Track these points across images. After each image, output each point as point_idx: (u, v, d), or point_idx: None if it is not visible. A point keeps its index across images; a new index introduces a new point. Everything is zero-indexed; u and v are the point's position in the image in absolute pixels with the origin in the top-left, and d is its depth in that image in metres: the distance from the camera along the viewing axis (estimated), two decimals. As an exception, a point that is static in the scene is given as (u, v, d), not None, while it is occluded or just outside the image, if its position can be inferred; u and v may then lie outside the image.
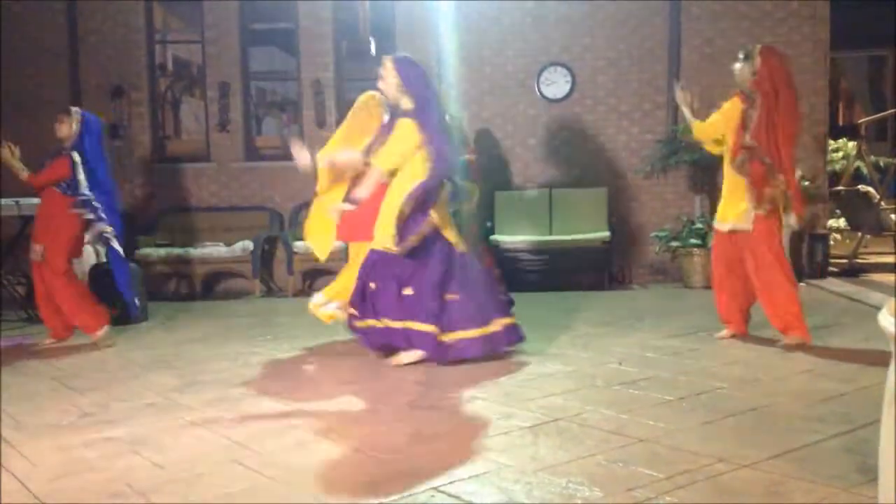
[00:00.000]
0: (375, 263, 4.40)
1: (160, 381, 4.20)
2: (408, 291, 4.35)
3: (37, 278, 5.45)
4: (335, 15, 8.31)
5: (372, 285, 4.42)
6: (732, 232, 4.71)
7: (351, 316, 4.59)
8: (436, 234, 4.41)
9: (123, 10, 8.33)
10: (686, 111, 4.97)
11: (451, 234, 4.48)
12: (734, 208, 4.69)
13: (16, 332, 5.98)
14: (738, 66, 4.72)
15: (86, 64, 8.34)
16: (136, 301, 5.92)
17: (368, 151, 4.52)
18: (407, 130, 4.33)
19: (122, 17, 8.33)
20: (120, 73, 8.31)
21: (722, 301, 4.87)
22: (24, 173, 5.40)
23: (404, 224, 4.29)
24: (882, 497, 1.68)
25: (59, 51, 8.33)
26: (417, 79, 4.46)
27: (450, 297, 4.36)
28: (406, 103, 4.40)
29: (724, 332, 4.89)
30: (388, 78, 4.42)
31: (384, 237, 4.33)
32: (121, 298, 5.68)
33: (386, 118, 4.67)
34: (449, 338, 4.33)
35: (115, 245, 5.48)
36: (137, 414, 3.55)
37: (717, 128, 4.83)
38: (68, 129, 5.41)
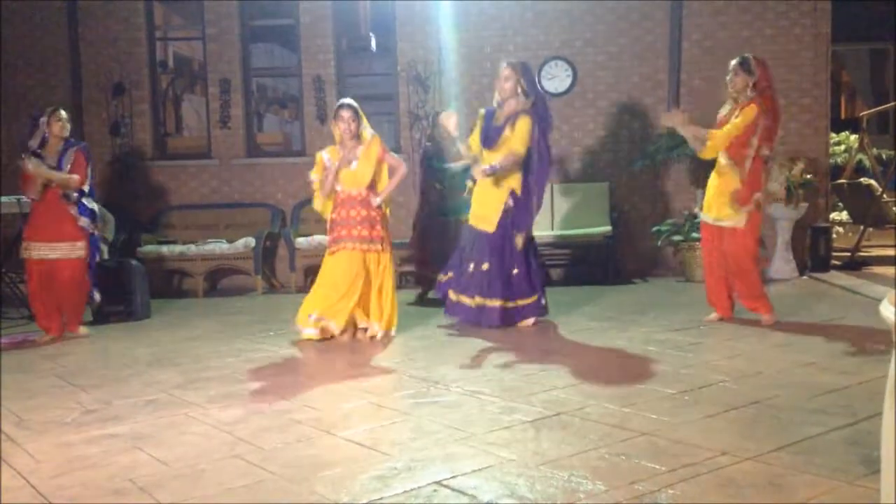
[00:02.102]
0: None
1: (163, 378, 4.20)
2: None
3: (43, 276, 5.36)
4: (335, 11, 8.31)
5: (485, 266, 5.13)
6: (718, 223, 5.06)
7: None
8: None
9: (124, 8, 8.34)
10: (692, 131, 5.05)
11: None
12: (725, 207, 4.99)
13: (17, 329, 5.99)
14: (737, 77, 4.89)
15: (86, 61, 8.35)
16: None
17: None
18: (527, 126, 5.06)
19: (123, 15, 8.34)
20: (121, 71, 8.32)
21: (710, 285, 5.22)
22: (73, 177, 5.28)
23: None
24: (885, 488, 1.68)
25: (59, 48, 8.33)
26: (533, 83, 5.19)
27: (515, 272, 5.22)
28: (522, 104, 5.07)
29: (713, 316, 5.22)
30: (511, 80, 5.01)
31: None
32: (127, 296, 5.70)
33: (482, 111, 5.37)
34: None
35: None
36: (140, 411, 3.56)
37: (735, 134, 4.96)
38: (63, 126, 5.40)
